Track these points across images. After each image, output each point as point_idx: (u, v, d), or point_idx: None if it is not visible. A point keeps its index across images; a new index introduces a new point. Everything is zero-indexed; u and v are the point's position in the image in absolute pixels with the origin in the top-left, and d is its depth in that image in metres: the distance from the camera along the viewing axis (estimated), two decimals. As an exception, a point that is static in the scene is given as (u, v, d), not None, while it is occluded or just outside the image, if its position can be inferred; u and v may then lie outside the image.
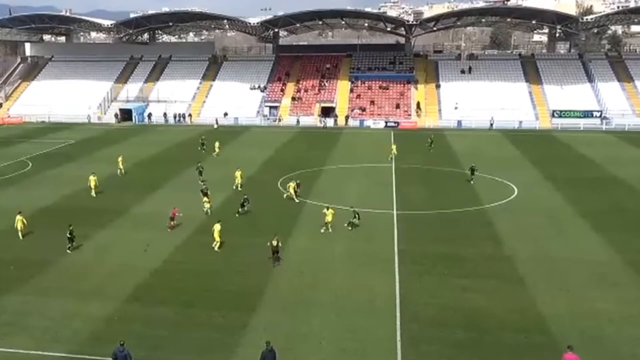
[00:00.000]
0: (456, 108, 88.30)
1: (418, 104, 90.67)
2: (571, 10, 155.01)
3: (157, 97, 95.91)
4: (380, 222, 38.28)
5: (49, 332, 24.02)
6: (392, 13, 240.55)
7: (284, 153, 64.68)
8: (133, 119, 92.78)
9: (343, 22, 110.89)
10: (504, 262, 31.05)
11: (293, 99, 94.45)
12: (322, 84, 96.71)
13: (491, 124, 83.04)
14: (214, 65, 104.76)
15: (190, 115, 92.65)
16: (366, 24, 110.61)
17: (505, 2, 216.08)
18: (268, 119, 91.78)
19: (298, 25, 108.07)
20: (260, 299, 26.78)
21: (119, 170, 52.82)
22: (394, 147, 60.17)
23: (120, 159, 53.67)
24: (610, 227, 37.09)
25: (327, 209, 36.05)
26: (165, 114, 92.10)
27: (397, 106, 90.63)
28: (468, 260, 31.48)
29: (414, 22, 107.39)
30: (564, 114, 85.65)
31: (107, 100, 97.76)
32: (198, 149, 64.31)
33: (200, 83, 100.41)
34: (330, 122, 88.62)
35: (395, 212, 40.34)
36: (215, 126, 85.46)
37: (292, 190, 43.38)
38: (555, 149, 66.98)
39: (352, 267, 30.68)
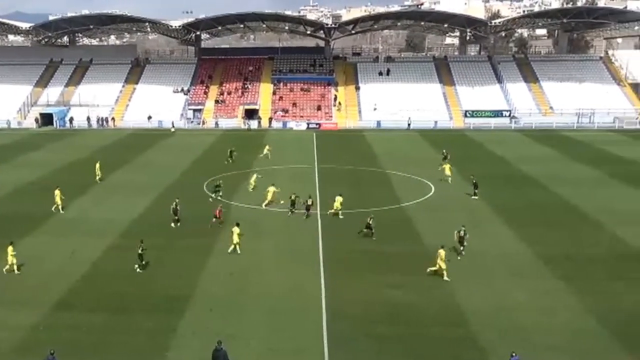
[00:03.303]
0: (375, 109, 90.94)
1: (335, 97, 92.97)
2: (480, 14, 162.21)
3: (79, 101, 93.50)
4: (305, 222, 39.53)
5: (-28, 345, 23.52)
6: (312, 16, 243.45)
7: (209, 156, 65.03)
8: (54, 123, 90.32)
9: (264, 25, 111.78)
10: (425, 258, 31.88)
11: (216, 101, 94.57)
12: (245, 86, 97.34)
13: (409, 124, 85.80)
14: (136, 68, 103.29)
15: (113, 119, 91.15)
16: (287, 27, 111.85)
17: (419, 7, 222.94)
18: (192, 121, 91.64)
19: (220, 28, 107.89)
20: (189, 302, 27.17)
21: (97, 177, 51.59)
22: (447, 166, 52.19)
23: (97, 165, 52.49)
24: (523, 222, 39.23)
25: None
26: (88, 118, 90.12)
27: (319, 108, 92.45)
28: (390, 257, 32.69)
29: (333, 26, 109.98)
30: (475, 113, 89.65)
31: (27, 105, 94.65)
32: (225, 162, 59.64)
33: (123, 86, 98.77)
34: (254, 124, 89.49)
35: (319, 211, 41.29)
36: (173, 129, 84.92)
37: (338, 205, 40.69)
38: (469, 147, 69.97)
39: (279, 267, 31.55)
